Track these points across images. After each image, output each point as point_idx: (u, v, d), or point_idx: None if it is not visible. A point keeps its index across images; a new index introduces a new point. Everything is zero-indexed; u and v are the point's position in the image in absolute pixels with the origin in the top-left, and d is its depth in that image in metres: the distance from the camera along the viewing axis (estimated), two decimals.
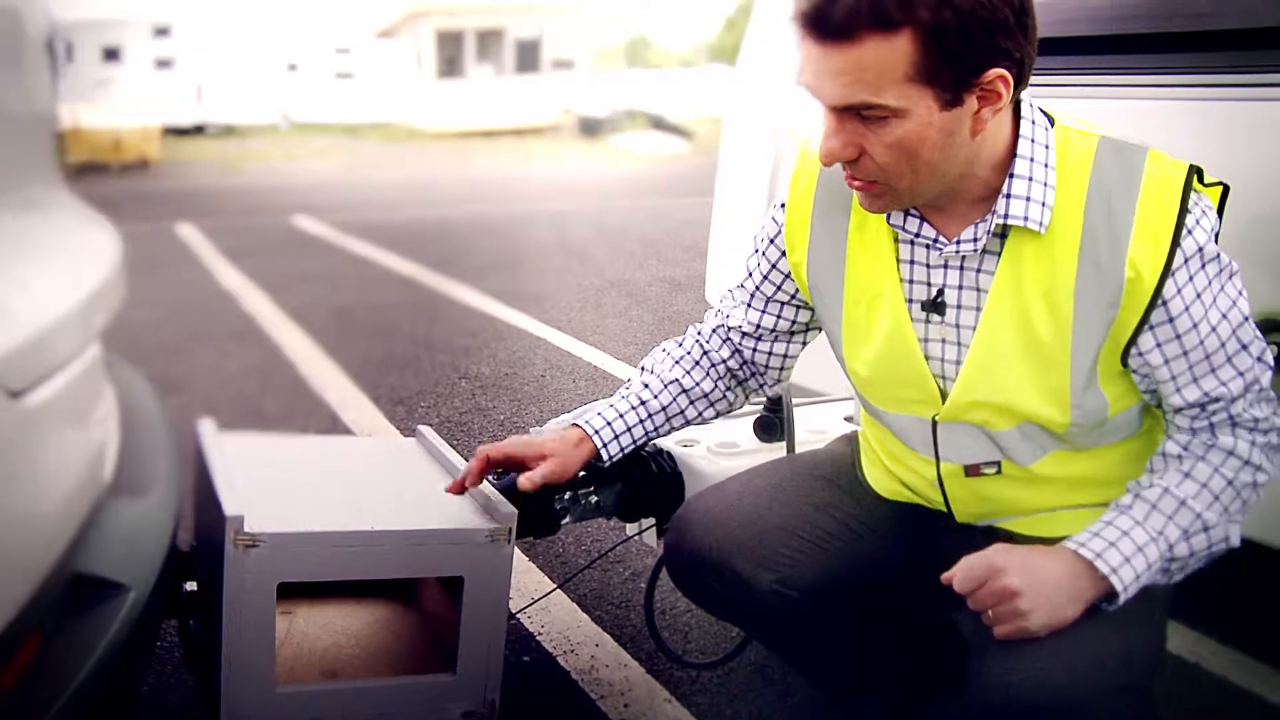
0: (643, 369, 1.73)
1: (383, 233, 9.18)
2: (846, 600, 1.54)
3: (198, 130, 28.42)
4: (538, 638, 2.25)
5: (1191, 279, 1.29)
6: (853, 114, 1.26)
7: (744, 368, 1.70)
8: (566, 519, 1.83)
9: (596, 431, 1.65)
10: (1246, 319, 1.34)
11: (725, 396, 1.72)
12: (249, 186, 14.94)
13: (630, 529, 2.07)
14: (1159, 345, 1.32)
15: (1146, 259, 1.28)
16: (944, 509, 1.55)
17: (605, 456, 1.66)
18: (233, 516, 1.43)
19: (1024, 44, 1.25)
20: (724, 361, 1.69)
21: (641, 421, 1.68)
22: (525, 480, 1.60)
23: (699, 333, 1.72)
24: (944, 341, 1.43)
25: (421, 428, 1.96)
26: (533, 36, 34.14)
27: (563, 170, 17.34)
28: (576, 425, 1.67)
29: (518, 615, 2.31)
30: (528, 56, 34.08)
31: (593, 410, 1.69)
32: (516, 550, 2.61)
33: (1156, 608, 1.40)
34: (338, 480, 1.78)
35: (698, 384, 1.69)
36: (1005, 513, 1.51)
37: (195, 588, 1.69)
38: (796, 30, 1.26)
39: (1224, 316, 1.32)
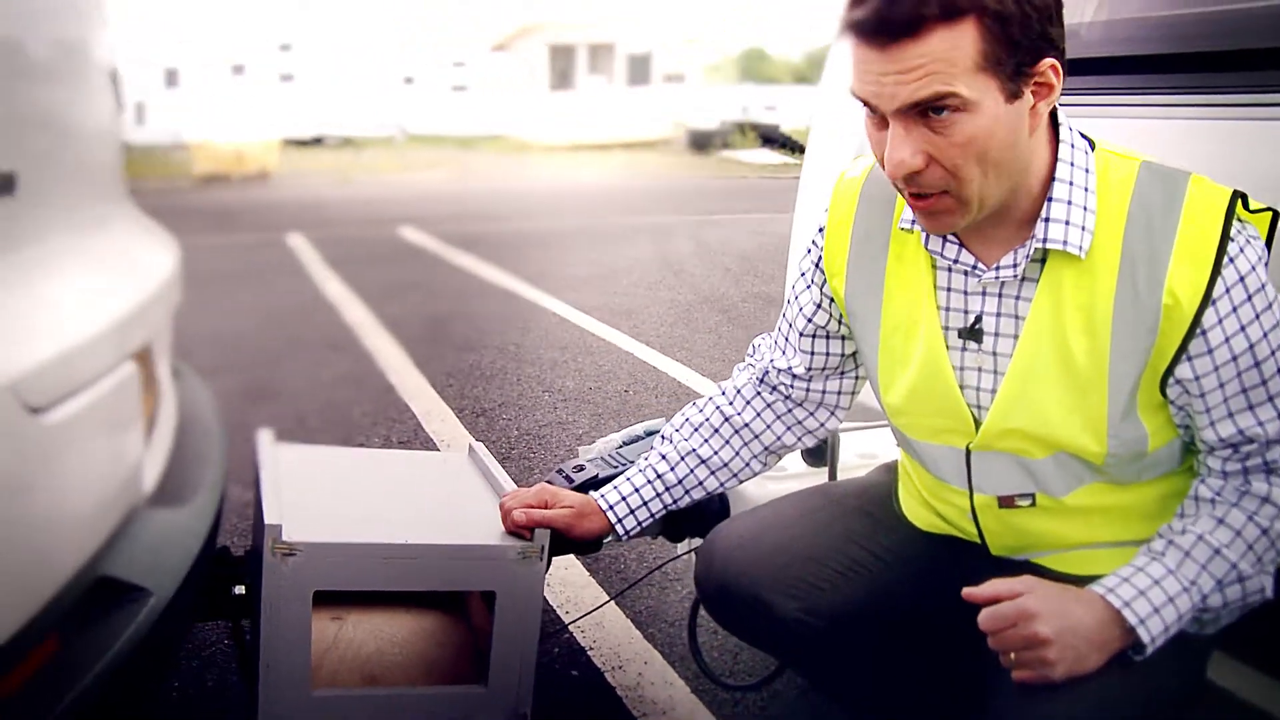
0: (663, 437, 1.71)
1: (485, 244, 9.34)
2: (873, 629, 1.52)
3: (316, 142, 29.30)
4: (589, 652, 2.26)
5: (1235, 310, 1.24)
6: (919, 117, 1.22)
7: (795, 410, 1.67)
8: (609, 537, 1.84)
9: (611, 507, 1.65)
10: None
11: (749, 465, 1.69)
12: (360, 197, 15.33)
13: (680, 548, 2.07)
14: (1197, 377, 1.27)
15: (1185, 286, 1.24)
16: (978, 541, 1.52)
17: (621, 532, 1.66)
18: (271, 525, 1.48)
19: (1063, 36, 1.24)
20: (748, 425, 1.66)
21: (659, 495, 1.66)
22: (522, 515, 1.60)
23: (723, 392, 1.70)
24: (980, 370, 1.40)
25: (474, 443, 2.00)
26: (643, 51, 34.40)
27: (670, 183, 17.40)
28: (592, 499, 1.66)
29: (569, 628, 2.33)
30: (639, 70, 34.34)
31: (611, 485, 1.68)
32: (578, 564, 2.65)
33: (1192, 657, 1.35)
34: (383, 493, 1.83)
35: (716, 453, 1.67)
36: (1040, 547, 1.47)
37: (244, 591, 1.76)
38: (852, 40, 1.23)
39: (1272, 353, 1.26)
